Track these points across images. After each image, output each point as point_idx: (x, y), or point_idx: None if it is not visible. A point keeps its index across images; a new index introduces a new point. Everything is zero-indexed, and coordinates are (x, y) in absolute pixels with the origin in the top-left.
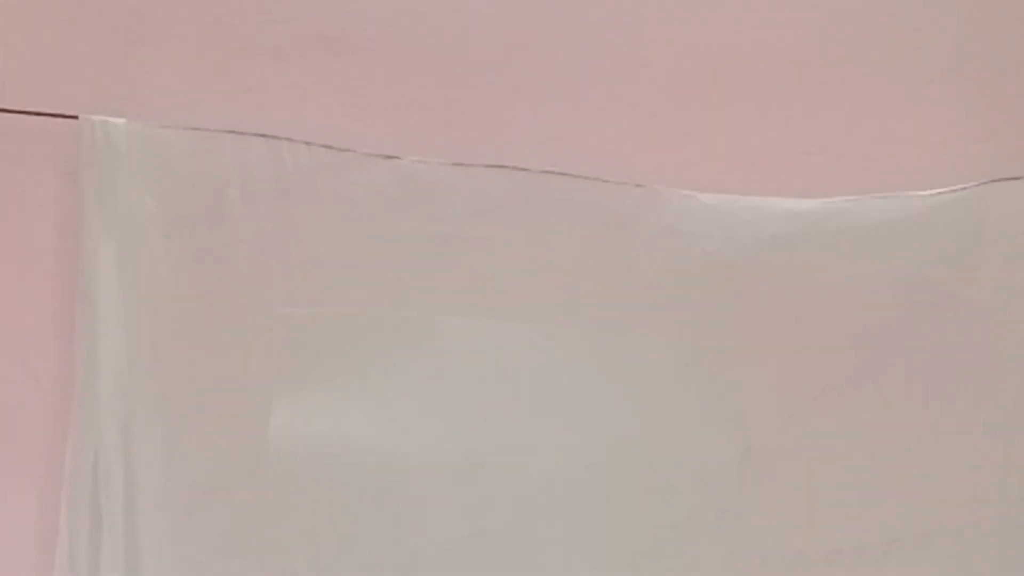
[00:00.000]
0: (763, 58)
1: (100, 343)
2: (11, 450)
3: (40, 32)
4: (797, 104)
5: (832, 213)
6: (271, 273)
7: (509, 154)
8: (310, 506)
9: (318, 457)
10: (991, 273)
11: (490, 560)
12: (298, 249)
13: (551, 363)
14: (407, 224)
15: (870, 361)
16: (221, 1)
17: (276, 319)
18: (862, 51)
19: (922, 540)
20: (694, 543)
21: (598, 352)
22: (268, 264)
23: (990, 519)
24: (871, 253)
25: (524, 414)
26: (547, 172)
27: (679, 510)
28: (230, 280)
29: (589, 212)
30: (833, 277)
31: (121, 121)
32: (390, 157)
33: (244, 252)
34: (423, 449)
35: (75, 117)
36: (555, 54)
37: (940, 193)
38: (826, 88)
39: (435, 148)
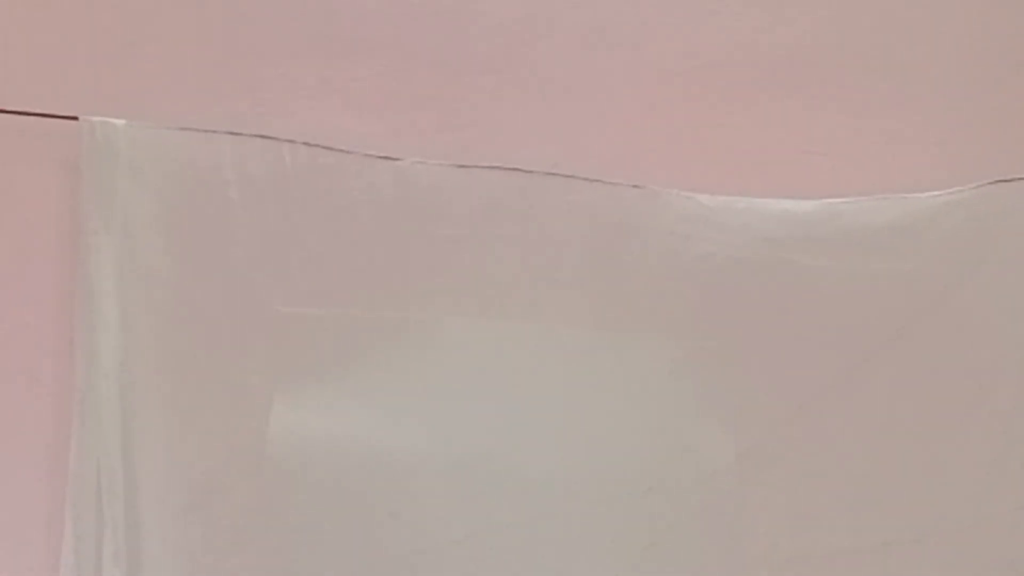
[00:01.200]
0: (763, 59)
1: (100, 343)
2: (11, 450)
3: (40, 33)
4: (797, 105)
5: (831, 215)
6: (271, 273)
7: (509, 156)
8: (310, 505)
9: (318, 456)
10: (990, 274)
11: (489, 560)
12: (298, 250)
13: (550, 363)
14: (407, 225)
15: (868, 362)
16: (221, 2)
17: (276, 319)
18: (862, 52)
19: (920, 541)
20: (693, 543)
21: (597, 352)
22: (268, 264)
23: (988, 519)
24: (870, 254)
25: (523, 414)
26: (547, 173)
27: (678, 510)
28: (230, 280)
29: (588, 213)
30: (832, 278)
31: (121, 122)
32: (390, 159)
33: (244, 252)
34: (422, 448)
35: (75, 118)
36: (555, 55)
37: (939, 195)
38: (826, 89)
39: (435, 149)
